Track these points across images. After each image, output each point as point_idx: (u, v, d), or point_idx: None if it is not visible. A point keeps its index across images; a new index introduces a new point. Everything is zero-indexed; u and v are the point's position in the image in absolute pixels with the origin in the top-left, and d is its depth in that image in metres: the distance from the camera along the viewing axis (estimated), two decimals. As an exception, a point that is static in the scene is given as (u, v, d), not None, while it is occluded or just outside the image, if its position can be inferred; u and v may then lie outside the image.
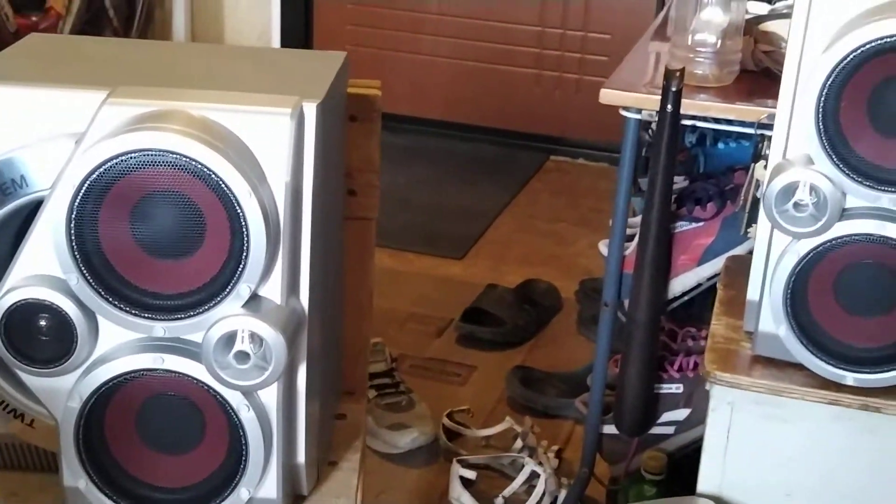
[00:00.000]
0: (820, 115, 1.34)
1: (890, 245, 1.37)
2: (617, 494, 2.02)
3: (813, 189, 1.35)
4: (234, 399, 1.21)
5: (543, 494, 2.10)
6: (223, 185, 1.14)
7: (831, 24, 1.35)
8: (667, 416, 1.99)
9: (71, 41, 1.43)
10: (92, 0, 3.20)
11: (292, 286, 1.22)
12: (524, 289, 2.83)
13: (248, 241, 1.16)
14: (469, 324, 2.70)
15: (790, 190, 1.36)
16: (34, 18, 2.96)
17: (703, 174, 2.14)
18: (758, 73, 1.89)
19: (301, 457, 1.30)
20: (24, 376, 1.23)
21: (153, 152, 1.14)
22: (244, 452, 1.23)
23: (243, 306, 1.18)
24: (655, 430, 1.99)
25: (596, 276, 2.87)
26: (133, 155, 1.14)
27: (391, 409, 2.29)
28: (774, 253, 1.42)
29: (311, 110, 1.19)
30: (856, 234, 1.37)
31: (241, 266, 1.16)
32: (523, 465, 2.15)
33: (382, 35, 3.78)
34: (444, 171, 3.60)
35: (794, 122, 1.39)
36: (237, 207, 1.15)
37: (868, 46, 1.31)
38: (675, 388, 1.99)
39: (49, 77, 1.25)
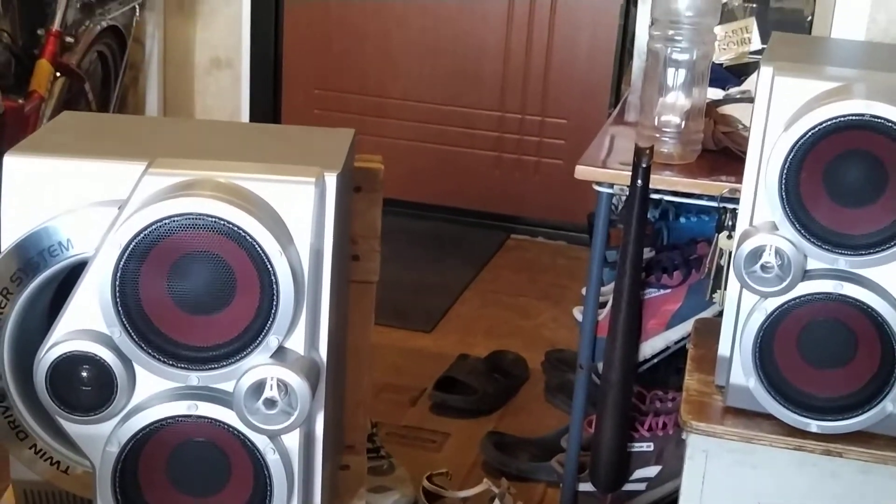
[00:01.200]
0: (782, 186, 1.46)
1: (847, 303, 1.48)
2: (592, 551, 2.12)
3: (778, 252, 1.47)
4: (261, 443, 1.29)
5: (522, 552, 2.19)
6: (256, 246, 1.24)
7: (790, 106, 1.47)
8: (638, 473, 2.08)
9: (100, 118, 1.53)
10: (72, 83, 3.30)
11: (313, 339, 1.32)
12: (494, 359, 2.90)
13: (277, 297, 1.25)
14: (442, 392, 2.76)
15: (757, 253, 1.47)
16: (20, 101, 3.03)
17: (667, 246, 2.26)
18: (717, 152, 2.01)
19: (317, 499, 1.38)
20: (65, 424, 1.30)
21: (193, 216, 1.24)
22: (269, 493, 1.31)
23: (272, 356, 1.28)
24: (628, 487, 2.08)
25: (560, 348, 2.96)
26: (175, 219, 1.24)
27: (373, 473, 2.34)
28: (743, 311, 1.53)
29: (331, 180, 1.30)
30: (817, 294, 1.48)
31: (271, 320, 1.26)
32: (502, 525, 2.23)
33: (348, 119, 3.84)
34: (410, 249, 3.66)
35: (759, 192, 1.50)
36: (269, 266, 1.24)
37: (823, 125, 1.43)
38: (647, 447, 2.09)
39: (89, 150, 1.34)
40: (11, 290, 1.32)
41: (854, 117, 1.43)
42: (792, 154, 1.46)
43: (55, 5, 3.27)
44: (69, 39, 3.31)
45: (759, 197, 1.51)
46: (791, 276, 1.48)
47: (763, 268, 1.48)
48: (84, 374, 1.28)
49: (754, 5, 2.48)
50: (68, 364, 1.28)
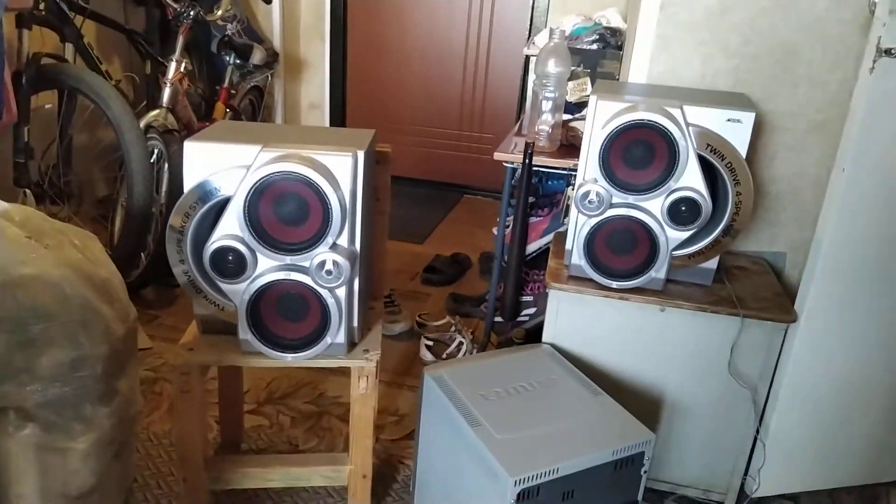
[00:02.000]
0: (601, 159, 1.40)
1: (633, 220, 1.42)
2: (502, 351, 2.09)
3: (597, 193, 1.42)
4: (325, 293, 1.25)
5: (465, 352, 2.14)
6: (320, 189, 1.19)
7: (605, 115, 1.41)
8: (525, 312, 2.05)
9: (240, 124, 1.44)
10: (235, 116, 3.18)
11: (352, 239, 1.26)
12: (454, 257, 2.84)
13: (331, 216, 1.20)
14: (427, 273, 2.71)
15: (587, 194, 1.42)
16: (207, 124, 2.91)
17: (541, 195, 2.20)
18: (568, 146, 1.94)
19: (355, 322, 1.34)
20: (221, 284, 1.26)
21: (287, 173, 1.18)
22: (328, 319, 1.27)
23: (329, 248, 1.23)
24: (519, 319, 2.06)
25: (488, 251, 2.92)
26: (277, 174, 1.19)
27: (389, 314, 2.32)
28: (579, 224, 1.47)
29: (360, 154, 1.24)
30: (617, 215, 1.43)
31: (329, 228, 1.21)
32: (455, 338, 2.19)
33: (382, 133, 3.75)
34: (412, 202, 3.59)
35: (588, 162, 1.44)
36: (326, 200, 1.19)
37: (621, 125, 1.37)
38: (529, 299, 2.06)
39: (232, 139, 1.27)
40: (190, 213, 1.26)
41: (638, 121, 1.37)
42: (606, 141, 1.40)
43: (225, 73, 3.15)
44: (233, 92, 3.19)
45: (588, 164, 1.45)
46: (604, 206, 1.43)
47: (589, 202, 1.43)
48: (230, 256, 1.24)
49: (588, 70, 2.38)
50: (222, 252, 1.23)
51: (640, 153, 1.41)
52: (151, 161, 2.38)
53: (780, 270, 1.72)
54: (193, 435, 1.38)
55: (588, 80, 2.47)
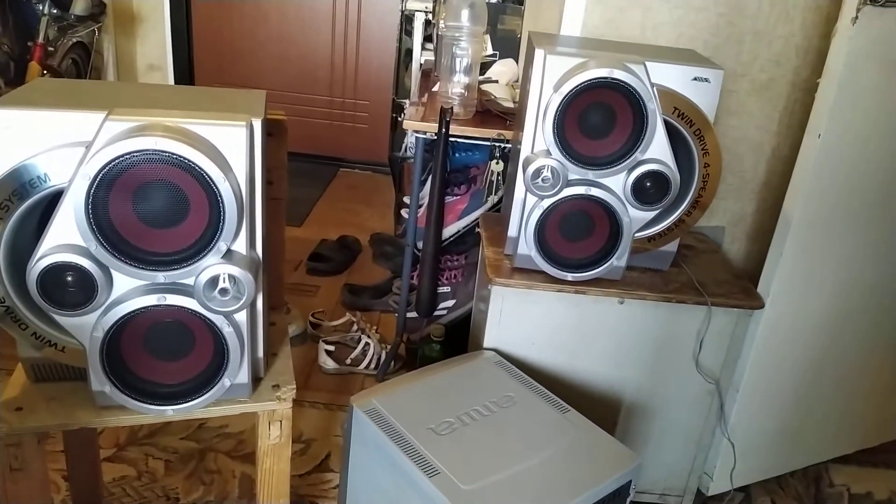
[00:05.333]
0: (555, 126, 1.15)
1: (592, 199, 1.20)
2: (416, 350, 1.81)
3: (552, 170, 1.17)
4: (218, 320, 0.90)
5: (373, 354, 1.85)
6: (204, 174, 0.83)
7: (556, 73, 1.16)
8: (442, 305, 1.79)
9: (66, 82, 1.02)
10: (55, 73, 2.56)
11: (251, 242, 0.92)
12: (341, 240, 2.50)
13: (224, 212, 0.85)
14: (312, 262, 2.36)
15: (540, 171, 1.17)
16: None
17: (451, 170, 1.93)
18: (482, 112, 1.69)
19: (260, 352, 1.00)
20: (57, 317, 0.86)
21: (149, 152, 0.81)
22: (226, 355, 0.92)
23: (223, 257, 0.88)
24: (436, 313, 1.79)
25: (378, 231, 2.62)
26: (134, 154, 0.81)
27: (277, 315, 1.96)
28: (528, 207, 1.23)
29: (258, 124, 0.89)
30: (574, 194, 1.19)
31: (221, 230, 0.85)
32: (360, 339, 1.87)
33: None
34: (283, 178, 3.19)
35: (538, 132, 1.19)
36: (215, 189, 0.84)
37: (578, 86, 1.13)
38: (446, 290, 1.79)
39: (57, 103, 0.86)
40: (1, 216, 0.84)
41: (602, 79, 1.13)
42: (561, 105, 1.15)
43: (39, 27, 2.53)
44: (50, 49, 2.57)
45: (538, 133, 1.20)
46: (560, 184, 1.18)
47: (543, 180, 1.18)
48: (69, 278, 0.84)
49: (488, 27, 2.14)
50: (55, 272, 0.83)
51: (600, 120, 1.17)
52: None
53: (718, 246, 1.59)
54: (28, 523, 0.97)
55: (488, 37, 2.22)
